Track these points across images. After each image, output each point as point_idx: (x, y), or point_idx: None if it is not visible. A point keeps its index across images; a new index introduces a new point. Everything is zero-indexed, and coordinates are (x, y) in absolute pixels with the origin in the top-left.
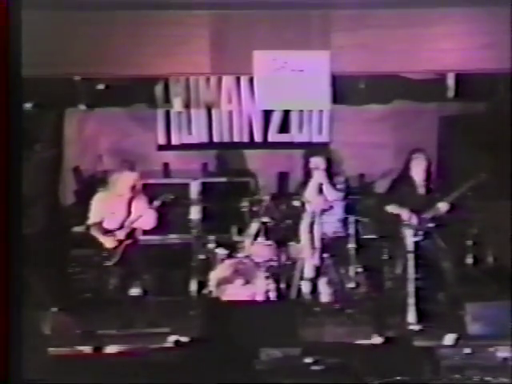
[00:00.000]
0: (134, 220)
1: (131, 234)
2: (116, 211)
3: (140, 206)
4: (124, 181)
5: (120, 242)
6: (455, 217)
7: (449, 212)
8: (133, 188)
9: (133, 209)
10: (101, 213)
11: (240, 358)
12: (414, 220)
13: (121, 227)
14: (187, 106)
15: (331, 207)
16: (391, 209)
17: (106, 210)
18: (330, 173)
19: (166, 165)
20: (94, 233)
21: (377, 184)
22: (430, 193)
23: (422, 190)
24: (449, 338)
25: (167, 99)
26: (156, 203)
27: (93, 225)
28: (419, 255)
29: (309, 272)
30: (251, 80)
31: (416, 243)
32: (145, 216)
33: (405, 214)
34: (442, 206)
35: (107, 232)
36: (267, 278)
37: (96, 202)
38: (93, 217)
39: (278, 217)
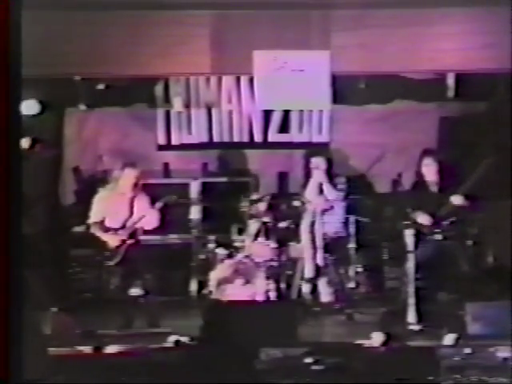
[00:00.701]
0: (136, 221)
1: (133, 234)
2: (118, 210)
3: (142, 207)
4: (126, 179)
5: (122, 241)
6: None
7: (464, 205)
8: (135, 186)
9: (135, 209)
10: (102, 212)
11: (240, 358)
12: (435, 225)
13: (123, 227)
14: (187, 106)
15: (332, 207)
16: (415, 216)
17: (107, 208)
18: (331, 173)
19: (166, 165)
20: (96, 232)
21: (372, 169)
22: (442, 191)
23: (434, 188)
24: (449, 338)
25: (167, 99)
26: (159, 204)
27: (94, 224)
28: (435, 256)
29: (309, 272)
30: (251, 80)
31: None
32: (147, 216)
33: (428, 221)
34: (455, 199)
35: (109, 230)
36: (267, 278)
37: (97, 200)
38: (94, 216)
39: (278, 217)
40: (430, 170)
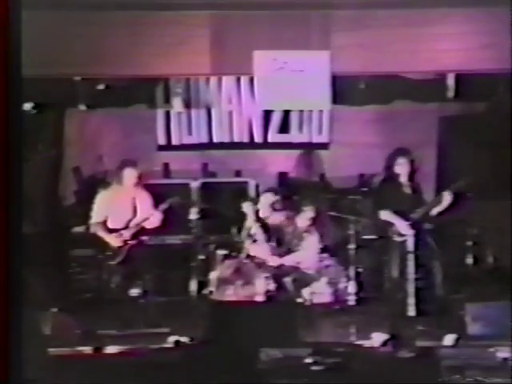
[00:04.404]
0: (139, 222)
1: (136, 234)
2: (120, 210)
3: (145, 207)
4: (127, 179)
5: (125, 242)
6: (454, 217)
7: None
8: (136, 186)
9: (138, 210)
10: (104, 212)
11: (240, 358)
12: (408, 231)
13: (126, 227)
14: (187, 106)
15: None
16: (385, 216)
17: (110, 209)
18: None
19: (166, 165)
20: (98, 232)
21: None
22: (415, 192)
23: (407, 190)
24: (449, 338)
25: (167, 99)
26: (163, 206)
27: (95, 224)
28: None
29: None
30: (251, 80)
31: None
32: (151, 218)
33: (399, 223)
34: (446, 196)
35: (111, 231)
36: (267, 278)
37: (99, 201)
38: (96, 216)
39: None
40: (403, 168)
